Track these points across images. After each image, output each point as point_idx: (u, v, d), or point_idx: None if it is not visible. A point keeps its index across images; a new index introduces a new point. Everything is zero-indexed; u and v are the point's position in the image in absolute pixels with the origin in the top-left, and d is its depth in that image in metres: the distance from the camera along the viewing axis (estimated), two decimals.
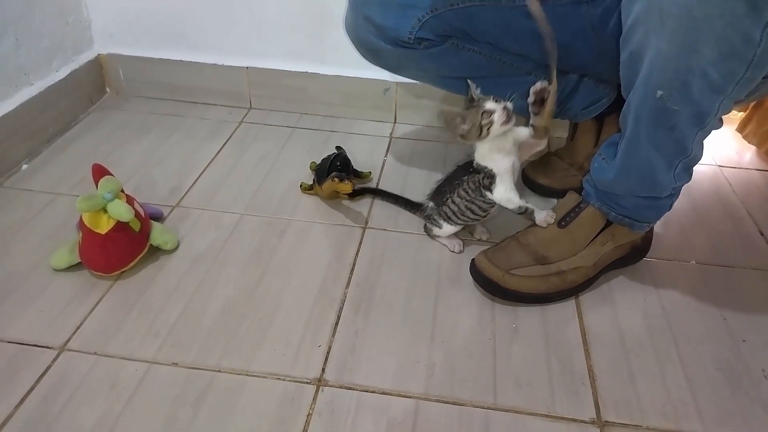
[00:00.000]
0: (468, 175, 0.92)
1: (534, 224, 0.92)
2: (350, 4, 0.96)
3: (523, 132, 0.89)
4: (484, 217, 0.95)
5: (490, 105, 0.85)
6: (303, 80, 1.36)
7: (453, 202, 0.93)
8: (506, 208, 0.91)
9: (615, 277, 0.94)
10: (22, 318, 0.84)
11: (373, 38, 0.94)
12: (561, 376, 0.78)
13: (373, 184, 1.16)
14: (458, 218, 0.95)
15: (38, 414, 0.71)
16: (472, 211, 0.93)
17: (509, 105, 0.86)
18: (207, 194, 1.11)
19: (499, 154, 0.89)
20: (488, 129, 0.85)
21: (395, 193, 1.09)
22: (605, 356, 0.81)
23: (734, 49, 0.63)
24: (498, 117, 0.84)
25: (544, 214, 0.90)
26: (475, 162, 0.91)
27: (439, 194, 0.97)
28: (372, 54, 0.98)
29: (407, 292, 0.90)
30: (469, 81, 0.90)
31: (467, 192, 0.92)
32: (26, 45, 1.19)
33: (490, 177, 0.89)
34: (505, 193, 0.89)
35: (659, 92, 0.70)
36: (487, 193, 0.90)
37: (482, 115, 0.85)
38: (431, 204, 0.98)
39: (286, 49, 1.34)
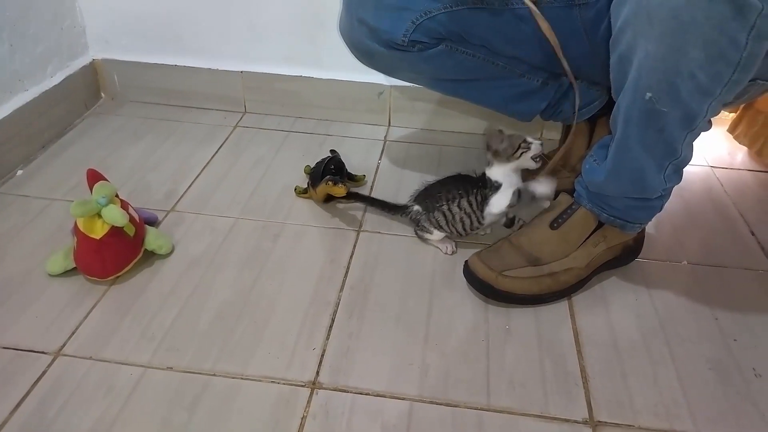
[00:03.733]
0: (477, 189, 0.94)
1: (526, 226, 0.93)
2: (344, 7, 0.97)
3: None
4: (469, 233, 0.97)
5: (530, 138, 0.94)
6: (297, 84, 1.37)
7: (450, 210, 0.94)
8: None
9: (607, 278, 0.95)
10: (17, 323, 0.84)
11: (367, 41, 0.94)
12: (554, 376, 0.79)
13: (367, 188, 1.16)
14: (449, 226, 0.96)
15: (34, 419, 0.72)
16: (463, 225, 0.95)
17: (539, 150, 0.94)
18: (202, 198, 1.11)
19: (516, 173, 0.95)
20: (521, 155, 0.93)
21: (385, 197, 1.08)
22: (598, 357, 0.82)
23: (721, 51, 0.64)
24: (534, 149, 0.93)
25: (544, 184, 0.93)
26: (487, 176, 0.95)
27: (430, 198, 0.97)
28: (366, 57, 0.99)
29: (401, 295, 0.91)
30: (489, 129, 0.98)
31: (470, 204, 0.94)
32: (21, 50, 1.19)
33: (495, 189, 0.93)
34: (500, 200, 0.93)
35: (648, 94, 0.71)
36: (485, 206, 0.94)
37: (522, 143, 0.92)
38: (417, 207, 0.98)
39: (281, 54, 1.35)
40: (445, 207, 0.95)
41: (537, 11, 0.87)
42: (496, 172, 0.94)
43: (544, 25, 0.88)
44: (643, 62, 0.69)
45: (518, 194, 0.93)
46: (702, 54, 0.65)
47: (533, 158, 0.94)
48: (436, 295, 0.91)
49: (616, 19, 0.72)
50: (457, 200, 0.94)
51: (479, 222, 0.95)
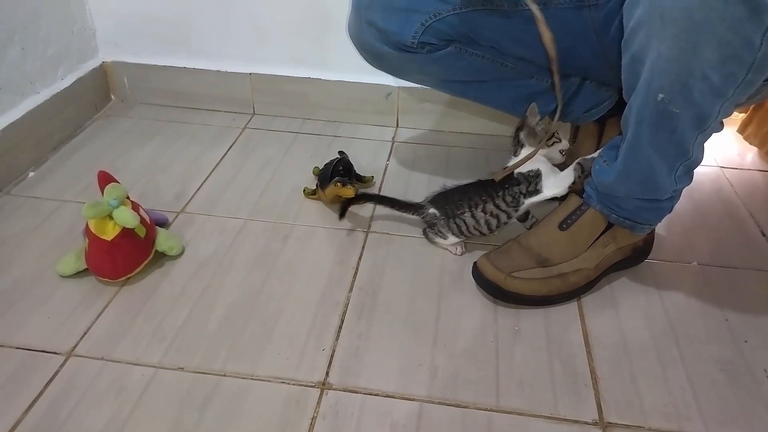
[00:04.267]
0: (503, 191, 0.94)
1: (535, 227, 0.93)
2: (353, 9, 0.97)
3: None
4: (494, 231, 0.97)
5: (564, 143, 0.95)
6: (306, 86, 1.37)
7: (473, 216, 0.94)
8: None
9: (617, 278, 0.95)
10: (29, 324, 0.85)
11: (376, 42, 0.94)
12: (563, 377, 0.79)
13: (375, 189, 1.16)
14: (471, 232, 0.96)
15: (46, 419, 0.72)
16: (489, 225, 0.95)
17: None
18: (211, 200, 1.12)
19: (545, 157, 0.95)
20: (549, 143, 0.93)
21: (394, 197, 1.06)
22: (607, 358, 0.81)
23: (735, 52, 0.64)
24: (564, 144, 0.94)
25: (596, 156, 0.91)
26: (515, 173, 0.93)
27: (449, 203, 0.96)
28: (375, 58, 0.99)
29: (410, 296, 0.91)
30: (533, 106, 0.94)
31: (498, 206, 0.94)
32: (32, 54, 1.20)
33: (536, 178, 0.92)
34: (554, 180, 0.93)
35: (660, 95, 0.71)
36: (532, 199, 0.93)
37: (555, 133, 0.94)
38: (433, 211, 0.98)
39: (289, 55, 1.35)
40: (467, 214, 0.94)
41: (542, 19, 0.86)
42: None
43: (547, 35, 0.87)
44: (656, 63, 0.69)
45: (581, 168, 0.92)
46: (715, 55, 0.64)
47: (561, 151, 0.94)
48: (445, 296, 0.91)
49: (628, 19, 0.72)
50: (481, 206, 0.94)
51: (508, 218, 0.95)
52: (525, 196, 0.93)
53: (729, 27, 0.62)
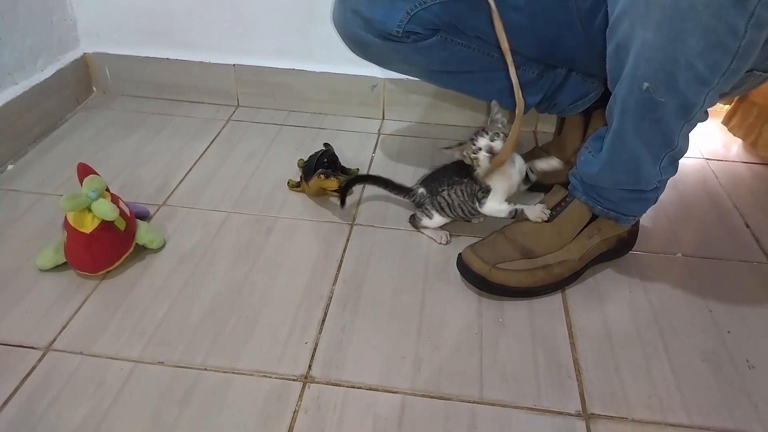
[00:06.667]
0: (468, 180, 0.94)
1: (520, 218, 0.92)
2: None
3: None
4: (470, 218, 0.98)
5: (481, 141, 0.90)
6: (290, 77, 1.36)
7: (449, 195, 0.95)
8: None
9: (601, 270, 0.94)
10: (7, 319, 0.83)
11: (361, 32, 0.93)
12: (547, 369, 0.78)
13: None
14: (451, 212, 0.96)
15: (23, 414, 0.71)
16: (462, 210, 0.96)
17: (495, 145, 0.89)
18: (194, 192, 1.11)
19: (501, 178, 0.93)
20: (476, 161, 0.91)
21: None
22: (591, 349, 0.81)
23: (719, 40, 0.63)
24: (482, 156, 0.90)
25: (537, 210, 0.90)
26: (475, 172, 0.93)
27: (435, 182, 0.97)
28: (360, 48, 0.98)
29: (394, 288, 0.90)
30: (492, 102, 0.94)
31: (464, 193, 0.94)
32: (10, 44, 1.18)
33: (485, 192, 0.93)
34: (493, 206, 0.94)
35: (645, 84, 0.70)
36: (476, 205, 0.94)
37: (471, 149, 0.91)
38: (422, 190, 0.98)
39: (273, 46, 1.34)
40: (445, 192, 0.95)
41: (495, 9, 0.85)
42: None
43: (498, 24, 0.86)
44: (641, 51, 0.68)
45: (515, 213, 0.92)
46: (700, 42, 0.64)
47: (489, 156, 0.89)
48: (430, 289, 0.90)
49: (613, 7, 0.71)
50: (455, 187, 0.95)
51: (471, 212, 0.96)
52: (477, 200, 0.94)
53: (713, 14, 0.61)
